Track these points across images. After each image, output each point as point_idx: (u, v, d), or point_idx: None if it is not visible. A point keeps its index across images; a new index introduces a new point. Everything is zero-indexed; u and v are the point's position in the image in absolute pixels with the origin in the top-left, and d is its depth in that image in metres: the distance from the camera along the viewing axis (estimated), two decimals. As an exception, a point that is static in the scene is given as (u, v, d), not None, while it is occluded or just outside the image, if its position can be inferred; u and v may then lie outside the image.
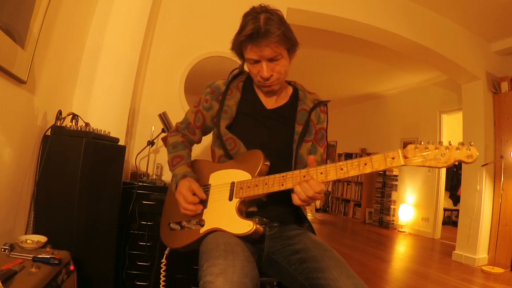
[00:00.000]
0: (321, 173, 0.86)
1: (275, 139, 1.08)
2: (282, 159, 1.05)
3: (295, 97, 1.15)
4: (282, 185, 0.90)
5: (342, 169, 0.83)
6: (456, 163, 0.74)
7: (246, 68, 1.13)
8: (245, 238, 0.92)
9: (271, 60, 0.98)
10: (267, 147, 1.02)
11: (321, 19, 2.89)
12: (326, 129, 1.16)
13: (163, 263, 1.12)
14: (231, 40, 1.03)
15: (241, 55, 1.05)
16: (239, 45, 1.00)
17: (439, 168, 0.73)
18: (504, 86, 3.59)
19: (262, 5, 0.99)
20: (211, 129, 1.17)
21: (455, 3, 3.09)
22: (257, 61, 0.99)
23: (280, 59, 0.99)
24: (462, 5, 3.11)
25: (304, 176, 0.87)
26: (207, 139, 1.29)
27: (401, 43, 3.24)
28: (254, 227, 0.90)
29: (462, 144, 0.74)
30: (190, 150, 1.21)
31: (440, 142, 0.75)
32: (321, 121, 1.14)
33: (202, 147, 1.32)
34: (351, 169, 0.82)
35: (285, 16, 3.11)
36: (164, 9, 2.41)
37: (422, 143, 0.76)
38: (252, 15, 0.96)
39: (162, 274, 1.12)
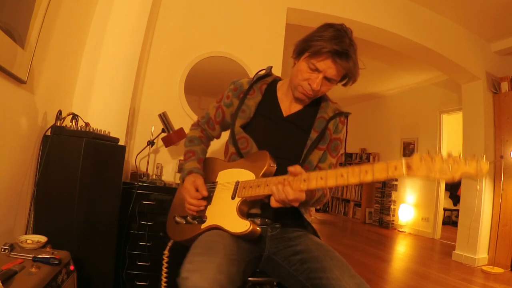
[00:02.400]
0: (321, 178, 0.84)
1: (289, 144, 1.08)
2: (293, 164, 1.04)
3: (317, 103, 1.13)
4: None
5: (342, 175, 0.81)
6: (464, 177, 0.66)
7: (272, 71, 1.17)
8: (243, 238, 0.93)
9: (328, 78, 0.99)
10: (280, 150, 1.03)
11: (321, 19, 2.86)
12: (342, 140, 1.13)
13: (166, 255, 1.13)
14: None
15: (301, 54, 1.02)
16: (315, 49, 0.95)
17: (444, 181, 0.67)
18: (504, 86, 3.59)
19: (348, 28, 0.99)
20: (230, 125, 1.17)
21: (455, 3, 3.09)
22: (317, 71, 0.98)
23: (333, 82, 1.01)
24: (462, 5, 3.10)
25: (304, 180, 0.86)
26: (228, 134, 1.30)
27: (401, 43, 3.23)
28: (251, 228, 0.91)
29: (473, 156, 0.67)
30: (207, 146, 1.23)
31: (449, 155, 0.69)
32: (339, 131, 1.11)
33: (222, 142, 1.34)
34: (351, 176, 0.80)
35: (285, 16, 3.09)
36: (164, 9, 2.41)
37: (429, 153, 0.70)
38: (339, 30, 0.96)
39: (165, 266, 1.13)
